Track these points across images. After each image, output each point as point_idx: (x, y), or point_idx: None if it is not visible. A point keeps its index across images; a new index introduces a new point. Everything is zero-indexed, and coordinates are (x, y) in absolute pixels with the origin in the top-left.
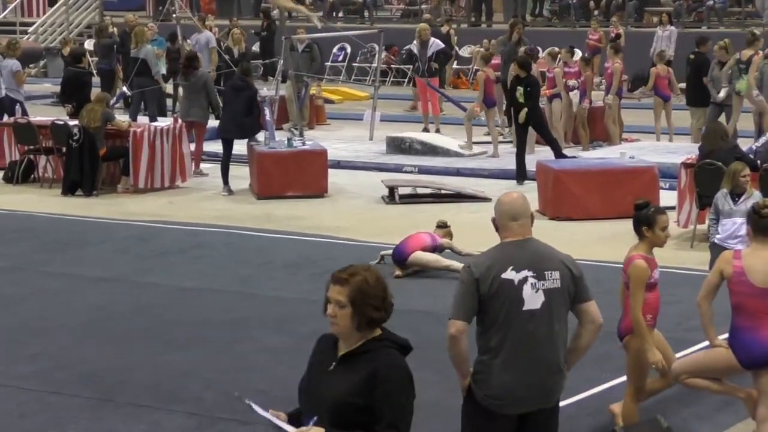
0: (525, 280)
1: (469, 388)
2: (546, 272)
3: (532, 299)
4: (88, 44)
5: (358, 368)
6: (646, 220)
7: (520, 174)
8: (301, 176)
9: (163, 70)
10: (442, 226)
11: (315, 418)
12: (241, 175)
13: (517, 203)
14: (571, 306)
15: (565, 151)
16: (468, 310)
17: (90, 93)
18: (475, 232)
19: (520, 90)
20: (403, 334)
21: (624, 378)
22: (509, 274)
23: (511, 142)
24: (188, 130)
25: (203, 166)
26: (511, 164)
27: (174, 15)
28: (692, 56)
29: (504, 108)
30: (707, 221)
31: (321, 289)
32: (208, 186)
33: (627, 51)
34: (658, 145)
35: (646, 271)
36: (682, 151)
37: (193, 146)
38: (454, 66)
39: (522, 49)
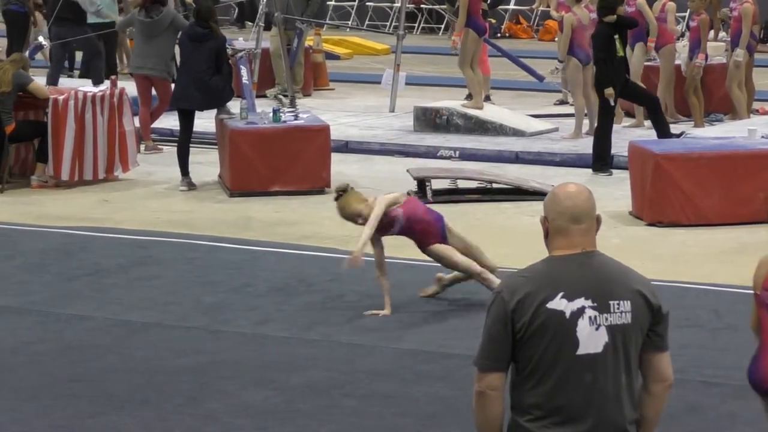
0: (581, 312)
1: None
2: (612, 302)
3: (591, 339)
4: None
5: None
6: None
7: (602, 160)
8: (293, 164)
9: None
10: None
11: None
12: (206, 162)
13: (581, 198)
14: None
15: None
16: (501, 354)
17: None
18: (540, 243)
19: (619, 39)
20: (442, 386)
21: None
22: (558, 302)
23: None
24: (145, 88)
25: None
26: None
27: None
28: None
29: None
30: None
31: (318, 323)
32: (160, 178)
33: None
34: None
35: None
36: None
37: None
38: (512, 5)
39: None
